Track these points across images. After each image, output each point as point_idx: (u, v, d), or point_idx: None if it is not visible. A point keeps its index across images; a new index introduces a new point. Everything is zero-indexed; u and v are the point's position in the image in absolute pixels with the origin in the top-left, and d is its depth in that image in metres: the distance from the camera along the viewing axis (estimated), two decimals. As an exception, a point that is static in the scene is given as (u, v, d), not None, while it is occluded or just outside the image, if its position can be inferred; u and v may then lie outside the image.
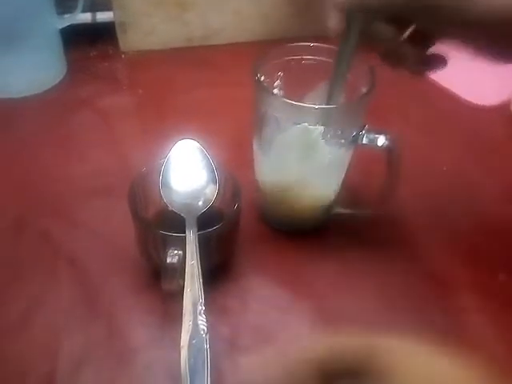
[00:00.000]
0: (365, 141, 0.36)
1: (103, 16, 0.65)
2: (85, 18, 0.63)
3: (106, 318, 0.36)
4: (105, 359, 0.34)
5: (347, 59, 0.33)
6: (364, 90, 0.35)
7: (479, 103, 0.58)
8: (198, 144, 0.38)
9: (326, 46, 0.36)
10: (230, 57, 0.63)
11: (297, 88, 0.38)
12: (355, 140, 0.36)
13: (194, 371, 0.29)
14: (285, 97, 0.39)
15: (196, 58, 0.64)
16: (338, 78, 0.34)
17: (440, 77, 0.60)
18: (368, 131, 0.36)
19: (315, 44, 0.37)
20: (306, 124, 0.34)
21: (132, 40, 0.65)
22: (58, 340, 0.35)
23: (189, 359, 0.29)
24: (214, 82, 0.58)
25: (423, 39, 0.32)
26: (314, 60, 0.38)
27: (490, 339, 0.36)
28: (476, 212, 0.46)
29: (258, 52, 0.37)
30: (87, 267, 0.39)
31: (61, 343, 0.35)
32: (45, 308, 0.37)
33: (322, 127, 0.35)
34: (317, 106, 0.34)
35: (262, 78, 0.36)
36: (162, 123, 0.53)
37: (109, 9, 0.63)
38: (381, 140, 0.36)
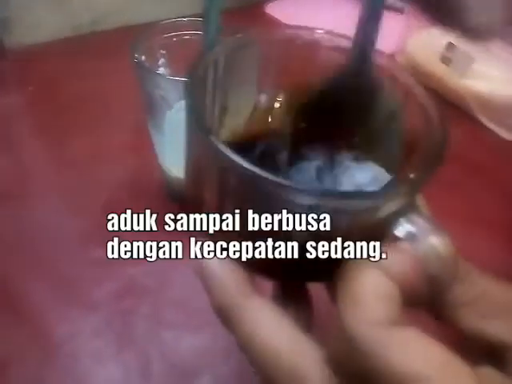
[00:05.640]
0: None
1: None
2: (-41, 18, 0.60)
3: (26, 318, 0.36)
4: (30, 357, 0.34)
5: (213, 30, 0.33)
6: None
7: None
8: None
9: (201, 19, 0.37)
10: (121, 41, 0.61)
11: (182, 64, 0.39)
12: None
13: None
14: (171, 74, 0.40)
15: (86, 47, 0.62)
16: (207, 50, 0.34)
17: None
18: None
19: (190, 19, 0.38)
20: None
21: (16, 36, 0.62)
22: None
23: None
24: (106, 69, 0.57)
25: None
26: (195, 35, 0.39)
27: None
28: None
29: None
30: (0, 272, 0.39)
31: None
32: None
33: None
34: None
35: (143, 58, 0.36)
36: (58, 118, 0.51)
37: (-15, 6, 0.60)
38: None
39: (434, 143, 0.18)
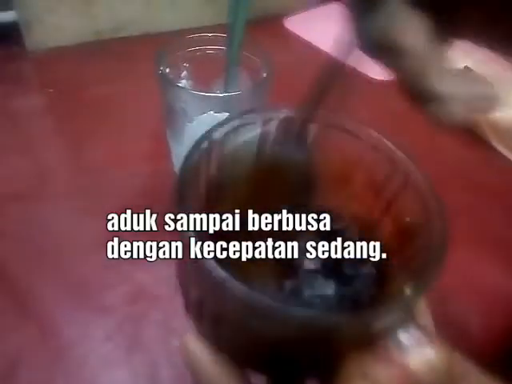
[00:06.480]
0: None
1: (5, 16, 0.63)
2: (-15, 18, 0.61)
3: (37, 320, 0.37)
4: (39, 358, 0.34)
5: (236, 45, 0.34)
6: (264, 74, 0.37)
7: (377, 78, 0.59)
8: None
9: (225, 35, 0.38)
10: (142, 48, 0.62)
11: (204, 77, 0.40)
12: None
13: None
14: (193, 87, 0.41)
15: (107, 52, 0.63)
16: (230, 64, 0.35)
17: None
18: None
19: (214, 34, 0.39)
20: (212, 112, 0.36)
21: (38, 38, 0.63)
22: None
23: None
24: (125, 75, 0.58)
25: None
26: (219, 50, 0.40)
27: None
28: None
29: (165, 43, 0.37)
30: (13, 273, 0.39)
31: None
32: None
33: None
34: (221, 94, 0.36)
35: (167, 70, 0.37)
36: (76, 121, 0.52)
37: (10, 8, 0.61)
38: None
39: (432, 247, 0.17)
